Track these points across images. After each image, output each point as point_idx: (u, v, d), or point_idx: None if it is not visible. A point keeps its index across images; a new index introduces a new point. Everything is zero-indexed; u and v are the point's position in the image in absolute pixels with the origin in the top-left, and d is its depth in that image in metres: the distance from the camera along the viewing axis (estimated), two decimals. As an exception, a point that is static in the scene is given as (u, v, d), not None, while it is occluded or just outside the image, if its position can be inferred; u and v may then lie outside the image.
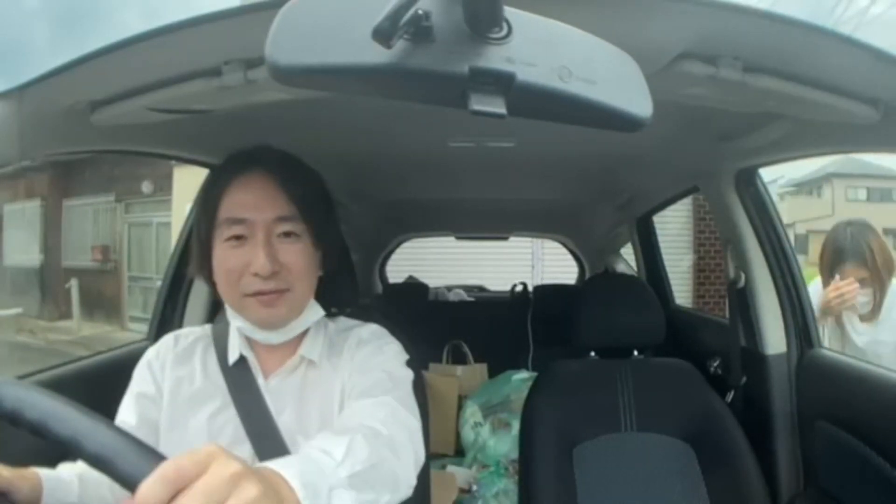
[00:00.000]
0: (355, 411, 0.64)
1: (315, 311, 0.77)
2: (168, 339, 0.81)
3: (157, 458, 0.38)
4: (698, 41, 0.65)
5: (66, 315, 7.91)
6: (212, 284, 0.76)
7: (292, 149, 0.79)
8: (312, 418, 0.73)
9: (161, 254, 7.16)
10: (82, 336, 7.16)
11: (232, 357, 0.76)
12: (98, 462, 0.39)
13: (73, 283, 7.80)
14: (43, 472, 0.61)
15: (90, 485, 0.65)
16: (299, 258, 0.71)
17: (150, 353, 0.79)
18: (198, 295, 1.28)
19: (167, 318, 1.29)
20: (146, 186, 7.68)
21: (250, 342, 0.77)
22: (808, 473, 1.15)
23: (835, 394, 1.10)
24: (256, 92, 0.73)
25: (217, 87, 0.70)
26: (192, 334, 0.81)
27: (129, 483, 0.37)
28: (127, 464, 0.38)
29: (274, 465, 0.43)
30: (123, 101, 0.74)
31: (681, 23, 0.62)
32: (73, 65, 0.62)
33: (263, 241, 0.69)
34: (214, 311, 1.30)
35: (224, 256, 0.70)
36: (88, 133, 0.80)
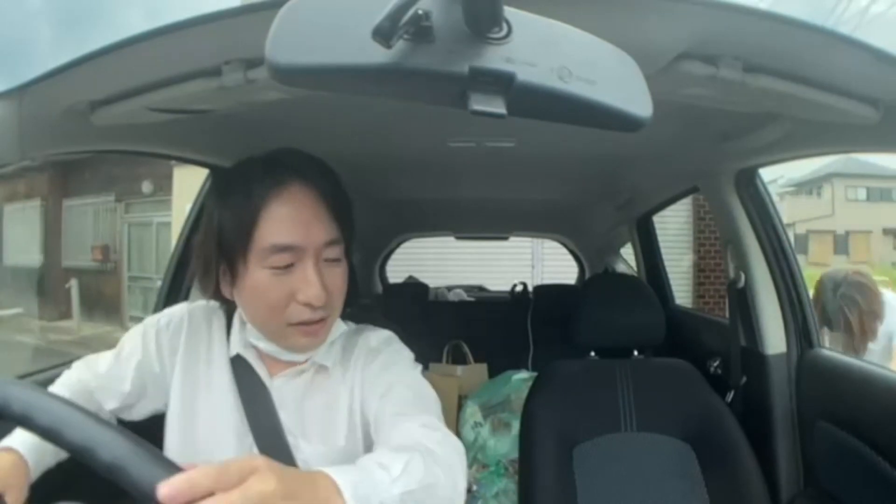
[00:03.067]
0: (409, 431, 0.60)
1: (338, 326, 0.75)
2: (181, 311, 0.78)
3: (172, 468, 0.38)
4: (698, 41, 0.65)
5: (66, 315, 7.90)
6: (223, 301, 0.71)
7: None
8: (313, 421, 0.71)
9: (161, 254, 7.16)
10: (82, 336, 7.16)
11: (233, 350, 0.74)
12: (111, 470, 0.38)
13: (73, 283, 7.80)
14: (24, 449, 0.60)
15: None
16: (342, 281, 0.68)
17: (162, 322, 0.76)
18: (198, 295, 1.28)
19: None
20: (146, 186, 7.68)
21: (259, 346, 0.74)
22: (807, 473, 1.15)
23: (835, 394, 1.09)
24: (256, 92, 0.73)
25: (217, 87, 0.70)
26: (203, 311, 0.78)
27: (142, 492, 0.37)
28: (142, 474, 0.38)
29: (329, 470, 0.44)
30: (123, 101, 0.74)
31: (681, 23, 0.62)
32: (73, 65, 0.62)
33: (315, 269, 0.64)
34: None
35: (267, 285, 0.64)
36: (88, 133, 0.80)
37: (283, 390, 0.73)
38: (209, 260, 0.67)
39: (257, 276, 0.64)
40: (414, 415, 0.63)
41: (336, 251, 0.67)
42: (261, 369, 0.73)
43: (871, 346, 1.65)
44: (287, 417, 0.71)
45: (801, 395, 1.18)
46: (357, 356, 0.74)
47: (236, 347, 0.73)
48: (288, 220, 0.63)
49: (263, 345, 0.71)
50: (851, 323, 1.61)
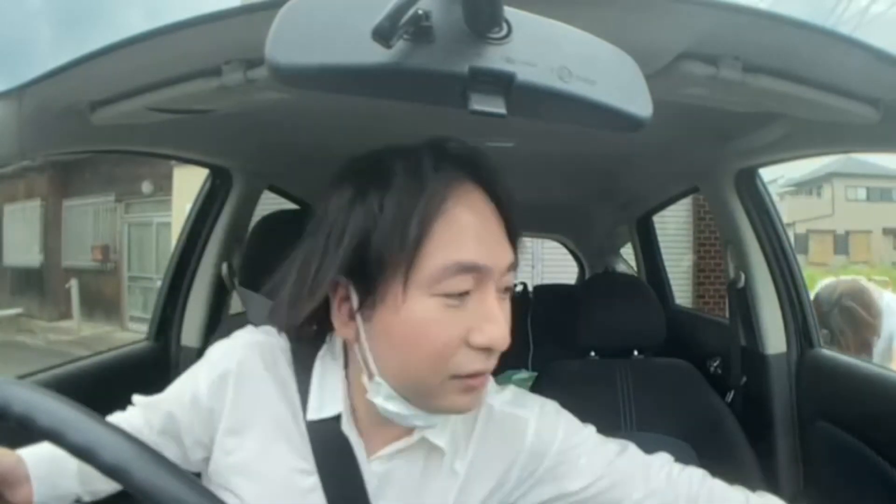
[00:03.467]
0: (692, 479, 0.56)
1: (490, 384, 0.58)
2: (250, 355, 0.55)
3: (176, 472, 0.37)
4: (698, 41, 0.65)
5: (66, 315, 7.91)
6: (316, 340, 0.54)
7: (292, 149, 0.79)
8: None
9: (161, 254, 7.16)
10: (82, 336, 7.16)
11: (317, 412, 0.53)
12: (114, 473, 0.37)
13: (73, 283, 7.80)
14: (29, 455, 0.53)
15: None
16: (509, 323, 0.51)
17: (232, 365, 0.55)
18: (198, 295, 1.28)
19: (167, 318, 1.29)
20: (146, 186, 7.68)
21: (353, 403, 0.54)
22: (807, 473, 1.15)
23: (835, 394, 1.09)
24: (256, 92, 0.73)
25: (217, 87, 0.70)
26: (270, 347, 0.56)
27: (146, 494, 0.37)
28: (146, 477, 0.37)
29: None
30: (123, 101, 0.74)
31: (681, 23, 0.62)
32: (73, 65, 0.62)
33: (498, 301, 0.49)
34: (215, 312, 1.30)
35: (435, 321, 0.46)
36: (88, 133, 0.80)
37: (385, 477, 0.54)
38: (322, 280, 0.48)
39: (422, 308, 0.46)
40: (648, 464, 0.58)
41: (511, 278, 0.51)
42: (358, 445, 0.53)
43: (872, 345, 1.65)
44: None
45: (801, 395, 1.18)
46: (482, 429, 0.57)
47: (327, 408, 0.53)
48: (472, 231, 0.47)
49: (394, 406, 0.50)
50: (850, 338, 1.61)
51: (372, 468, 0.54)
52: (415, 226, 0.45)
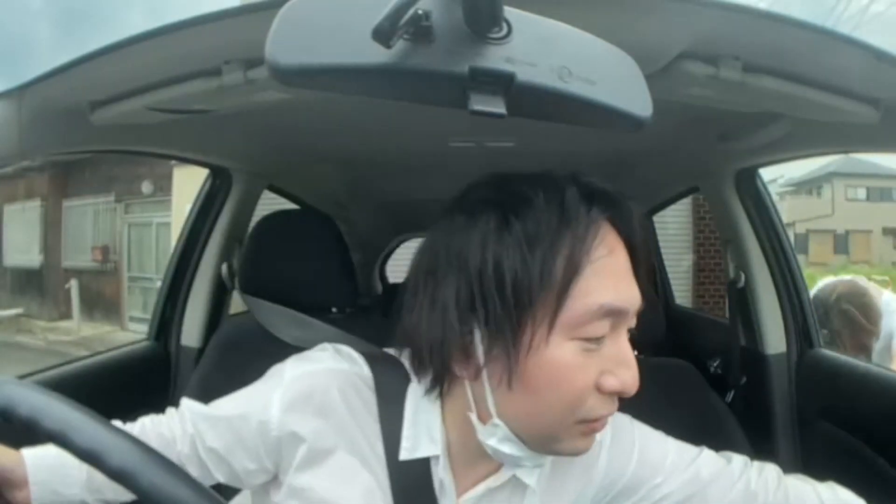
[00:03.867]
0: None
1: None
2: (328, 384, 0.51)
3: (182, 476, 0.37)
4: (698, 41, 0.65)
5: (66, 315, 7.91)
6: (426, 373, 0.50)
7: (292, 149, 0.79)
8: None
9: (161, 254, 7.16)
10: (82, 336, 7.16)
11: (410, 452, 0.50)
12: (120, 477, 0.37)
13: (73, 283, 7.80)
14: (31, 458, 0.52)
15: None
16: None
17: (314, 392, 0.51)
18: (198, 295, 1.28)
19: (167, 319, 1.29)
20: (146, 186, 7.68)
21: (448, 442, 0.51)
22: (807, 473, 1.15)
23: (835, 393, 1.09)
24: (256, 92, 0.73)
25: (217, 87, 0.70)
26: (350, 378, 0.52)
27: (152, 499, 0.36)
28: (152, 481, 0.37)
29: None
30: (123, 101, 0.74)
31: (681, 23, 0.62)
32: (73, 65, 0.62)
33: (627, 343, 0.48)
34: (215, 312, 1.30)
35: (573, 366, 0.44)
36: (88, 133, 0.80)
37: None
38: (457, 324, 0.45)
39: (562, 352, 0.44)
40: (730, 470, 0.56)
41: (634, 320, 0.49)
42: (450, 487, 0.51)
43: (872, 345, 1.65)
44: None
45: (801, 395, 1.18)
46: (553, 459, 0.54)
47: (423, 448, 0.50)
48: (615, 273, 0.46)
49: (508, 448, 0.47)
50: (843, 344, 1.61)
51: None
52: (562, 269, 0.43)
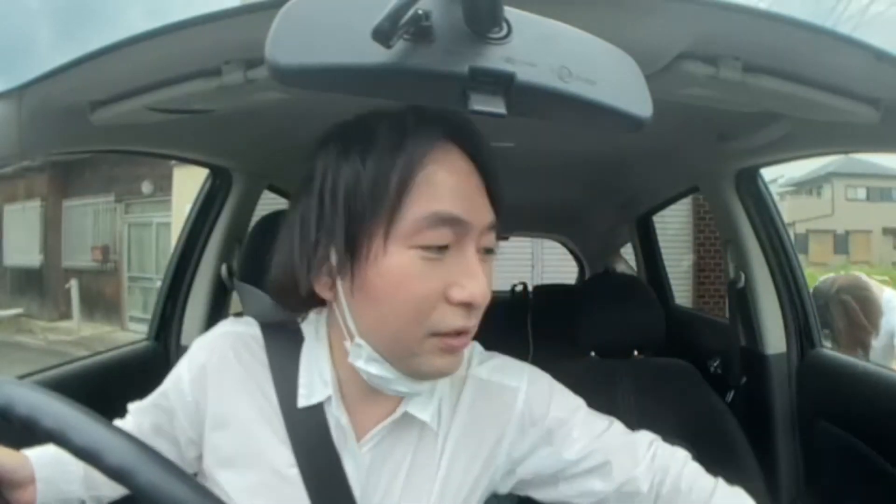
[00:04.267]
0: (676, 460, 0.56)
1: (473, 348, 0.59)
2: (211, 344, 0.57)
3: (180, 474, 0.38)
4: (698, 41, 0.65)
5: (66, 315, 7.91)
6: (289, 300, 0.53)
7: (292, 149, 0.79)
8: (406, 500, 0.54)
9: (161, 254, 7.16)
10: (82, 336, 7.16)
11: (307, 398, 0.53)
12: (118, 475, 0.37)
13: (73, 283, 7.81)
14: (42, 459, 0.54)
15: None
16: (491, 282, 0.50)
17: (211, 357, 0.55)
18: (198, 295, 1.28)
19: (167, 318, 1.29)
20: (146, 186, 7.68)
21: (340, 384, 0.54)
22: (808, 473, 1.15)
23: (835, 393, 1.09)
24: (256, 92, 0.73)
25: (217, 87, 0.70)
26: (243, 338, 0.57)
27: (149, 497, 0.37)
28: (150, 479, 0.37)
29: None
30: (123, 101, 0.74)
31: (681, 23, 0.62)
32: (73, 65, 0.62)
33: (475, 256, 0.48)
34: (215, 312, 1.30)
35: (414, 273, 0.46)
36: (88, 133, 0.80)
37: (374, 461, 0.54)
38: (309, 240, 0.49)
39: (400, 260, 0.46)
40: (634, 444, 0.57)
41: (492, 239, 0.51)
42: (347, 427, 0.53)
43: (872, 343, 1.64)
44: (369, 497, 0.54)
45: (801, 395, 1.18)
46: (469, 399, 0.57)
47: (317, 393, 0.53)
48: (453, 185, 0.47)
49: (375, 368, 0.50)
50: (843, 332, 1.61)
51: (360, 453, 0.53)
52: (395, 181, 0.46)
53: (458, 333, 0.48)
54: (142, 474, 0.37)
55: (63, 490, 0.56)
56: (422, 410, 0.54)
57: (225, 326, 0.58)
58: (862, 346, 1.64)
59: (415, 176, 0.46)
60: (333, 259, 0.48)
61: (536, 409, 0.57)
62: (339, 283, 0.49)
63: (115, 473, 0.37)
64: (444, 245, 0.47)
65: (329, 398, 0.53)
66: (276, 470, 0.52)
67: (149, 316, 1.36)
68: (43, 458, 0.55)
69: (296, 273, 0.50)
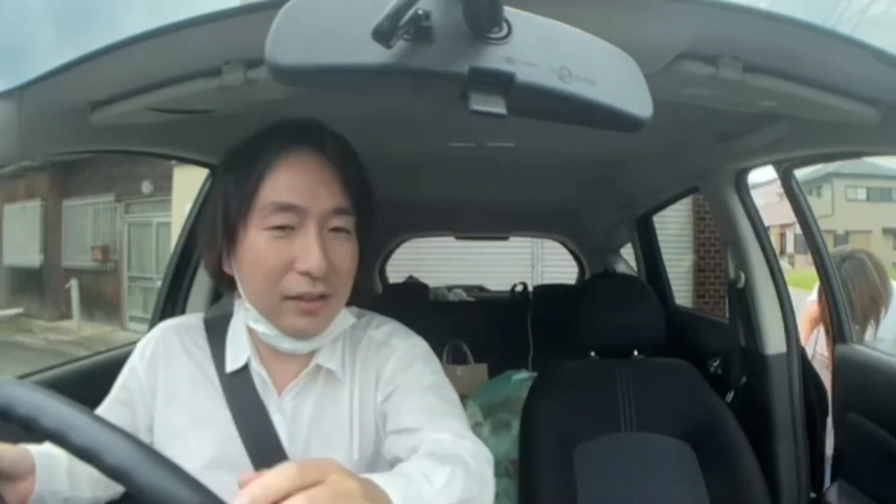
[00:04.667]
0: (442, 442, 0.57)
1: (346, 318, 0.68)
2: (158, 335, 0.70)
3: (179, 473, 0.37)
4: (698, 41, 0.65)
5: (66, 315, 7.91)
6: (222, 279, 0.67)
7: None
8: (325, 440, 0.64)
9: (161, 254, 7.16)
10: (82, 336, 7.16)
11: (234, 363, 0.66)
12: (117, 475, 0.37)
13: (73, 283, 7.80)
14: (35, 451, 0.56)
15: (79, 468, 0.60)
16: (349, 258, 0.63)
17: (158, 347, 0.68)
18: (198, 294, 1.28)
19: (167, 317, 1.29)
20: (146, 186, 7.68)
21: (258, 347, 0.67)
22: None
23: (865, 387, 1.09)
24: (256, 92, 0.73)
25: (217, 87, 0.70)
26: (185, 327, 0.70)
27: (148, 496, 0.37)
28: (149, 479, 0.37)
29: (379, 480, 0.42)
30: (123, 101, 0.74)
31: (681, 23, 0.62)
32: (73, 65, 0.62)
33: (317, 235, 0.60)
34: (214, 311, 1.30)
35: (264, 249, 0.60)
36: (88, 133, 0.80)
37: (296, 411, 0.65)
38: (214, 232, 0.64)
39: (256, 240, 0.60)
40: (442, 421, 0.60)
41: (343, 220, 0.63)
42: (268, 381, 0.65)
43: (883, 335, 1.64)
44: (302, 445, 0.64)
45: (834, 389, 1.17)
46: (363, 354, 0.68)
47: (240, 357, 0.66)
48: (291, 180, 0.61)
49: (264, 329, 0.63)
50: (857, 294, 1.61)
51: (284, 404, 0.65)
52: (250, 184, 0.61)
53: (312, 299, 0.60)
54: (141, 474, 0.37)
55: (54, 482, 0.58)
56: (328, 360, 0.66)
57: (167, 322, 0.72)
58: (875, 310, 1.64)
59: (263, 179, 0.61)
60: (222, 243, 0.63)
61: (393, 371, 0.66)
62: (230, 261, 0.64)
63: (114, 473, 0.37)
64: (289, 226, 0.60)
65: (249, 359, 0.65)
66: (219, 430, 0.63)
67: (149, 316, 1.36)
68: (40, 452, 0.56)
69: (208, 257, 0.65)
